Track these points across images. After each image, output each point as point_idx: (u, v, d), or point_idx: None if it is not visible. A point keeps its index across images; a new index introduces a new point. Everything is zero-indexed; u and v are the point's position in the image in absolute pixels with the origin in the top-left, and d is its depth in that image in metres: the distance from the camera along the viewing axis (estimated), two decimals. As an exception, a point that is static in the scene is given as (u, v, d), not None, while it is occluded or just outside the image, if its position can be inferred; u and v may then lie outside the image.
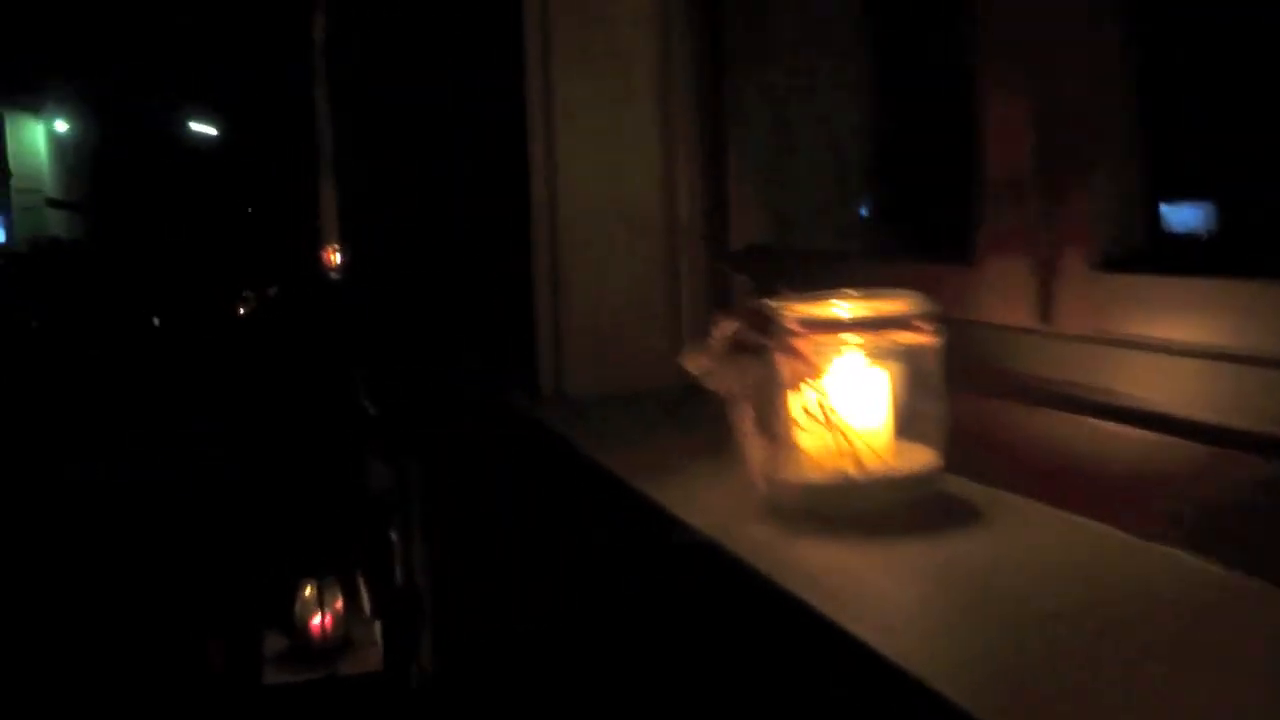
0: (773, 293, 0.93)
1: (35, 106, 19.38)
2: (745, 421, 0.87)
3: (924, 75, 1.36)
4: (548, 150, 1.59)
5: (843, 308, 0.87)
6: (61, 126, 19.91)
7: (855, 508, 0.85)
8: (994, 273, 0.97)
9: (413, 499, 3.43)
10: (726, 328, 0.89)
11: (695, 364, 0.90)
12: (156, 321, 11.68)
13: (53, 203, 19.52)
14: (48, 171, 20.08)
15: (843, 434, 0.82)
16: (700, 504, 0.96)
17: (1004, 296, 0.95)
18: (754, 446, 0.87)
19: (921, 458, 0.88)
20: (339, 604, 3.80)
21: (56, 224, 18.68)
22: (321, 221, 7.56)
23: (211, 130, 17.13)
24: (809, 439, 0.85)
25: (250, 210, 14.80)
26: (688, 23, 1.62)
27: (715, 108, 1.60)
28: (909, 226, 1.34)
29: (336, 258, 6.79)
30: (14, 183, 19.62)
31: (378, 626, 3.70)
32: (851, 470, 0.83)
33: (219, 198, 15.46)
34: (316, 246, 7.93)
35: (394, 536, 3.67)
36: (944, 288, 0.97)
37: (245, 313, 11.58)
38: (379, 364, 3.38)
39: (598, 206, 1.60)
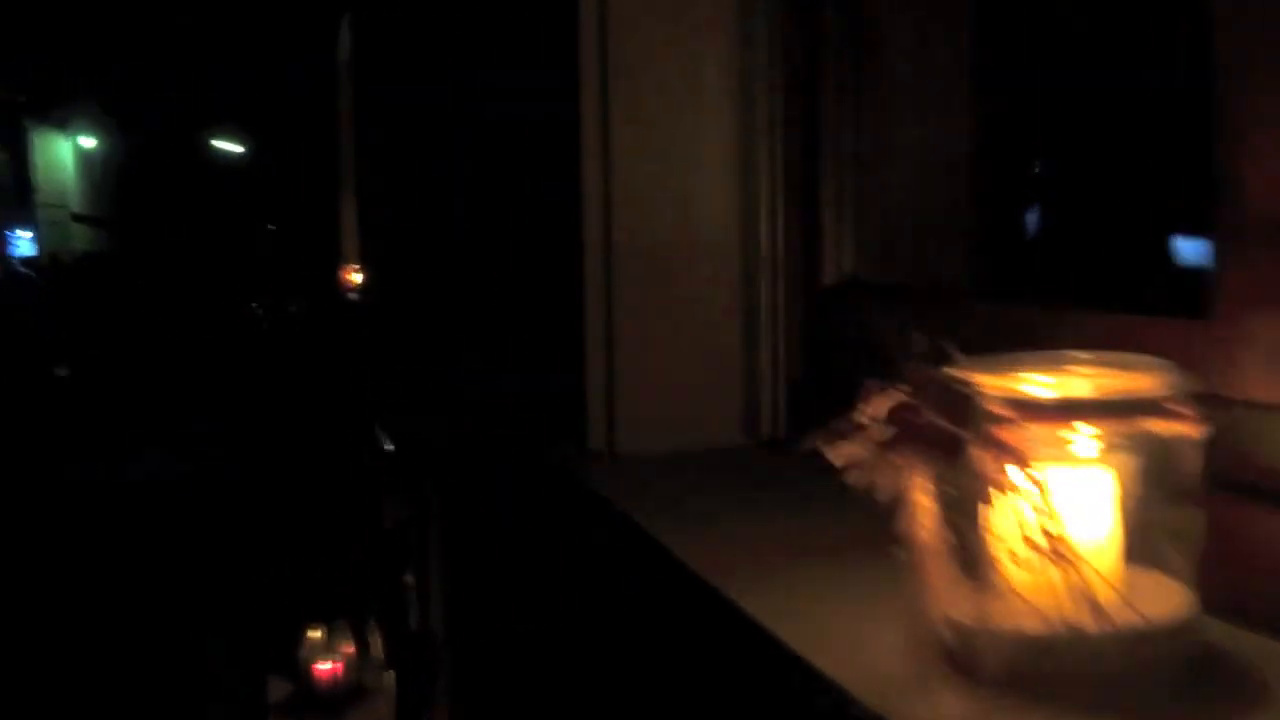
0: (927, 349, 0.67)
1: (62, 122, 19.42)
2: (924, 539, 0.61)
3: (1087, 71, 1.11)
4: (604, 169, 1.34)
5: (1058, 381, 0.61)
6: (88, 142, 19.94)
7: (1089, 671, 0.59)
8: (1249, 331, 0.71)
9: (430, 541, 3.18)
10: (888, 405, 0.63)
11: (842, 454, 0.64)
12: (178, 332, 11.59)
13: (78, 218, 19.55)
14: (74, 187, 20.10)
15: (1074, 567, 0.56)
16: (843, 644, 0.70)
17: (1266, 363, 0.69)
18: (936, 575, 0.61)
19: (1170, 596, 0.62)
20: (349, 649, 3.55)
21: (82, 239, 18.68)
22: (342, 241, 7.37)
23: (236, 148, 17.08)
24: (1018, 568, 0.59)
25: (272, 228, 14.73)
26: (768, 19, 1.37)
27: (803, 111, 1.36)
28: (1066, 262, 1.09)
29: (356, 278, 6.61)
30: (39, 198, 19.66)
31: (390, 675, 3.44)
32: (1086, 619, 0.57)
33: (241, 214, 15.38)
34: (335, 266, 7.76)
35: (408, 579, 3.42)
36: (1152, 346, 0.71)
37: (265, 328, 11.46)
38: (400, 396, 3.14)
39: (661, 232, 1.35)
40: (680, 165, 1.35)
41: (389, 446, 3.50)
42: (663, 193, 1.35)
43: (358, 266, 6.45)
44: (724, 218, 1.36)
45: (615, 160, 1.34)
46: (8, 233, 16.08)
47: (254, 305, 11.74)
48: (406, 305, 2.64)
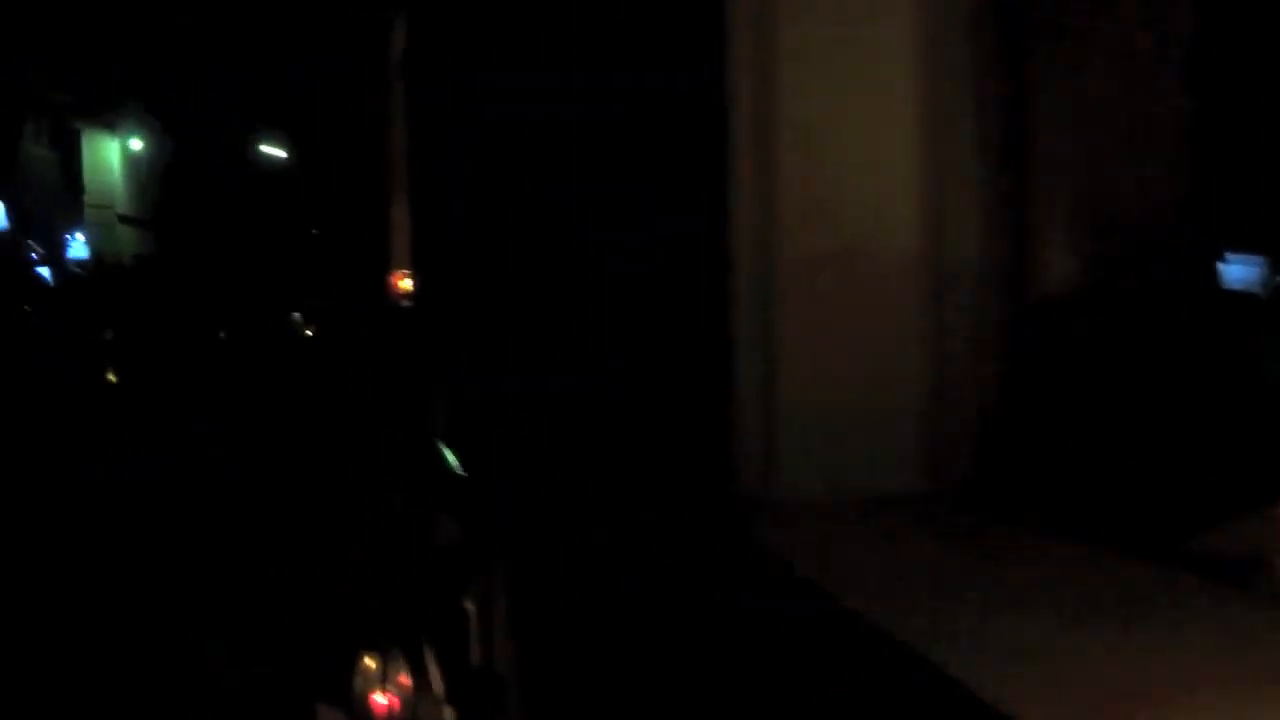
0: None
1: (110, 124, 19.56)
2: None
3: None
4: (761, 166, 1.12)
5: None
6: (136, 144, 20.07)
7: None
8: None
9: (495, 568, 2.96)
10: None
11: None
12: (222, 335, 11.59)
13: (124, 219, 19.69)
14: (120, 188, 20.25)
15: None
16: None
17: None
18: None
19: None
20: (404, 679, 3.33)
21: (127, 240, 18.80)
22: (391, 245, 7.21)
23: (280, 153, 17.10)
24: None
25: (315, 233, 14.72)
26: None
27: (1007, 97, 1.12)
28: None
29: (407, 283, 6.45)
30: (87, 198, 19.83)
31: (450, 712, 3.22)
32: None
33: (286, 219, 15.36)
34: (384, 271, 7.61)
35: (469, 607, 3.19)
36: None
37: (308, 335, 11.40)
38: (475, 411, 2.92)
39: (831, 237, 1.12)
40: (854, 160, 1.12)
41: (451, 460, 3.27)
42: (831, 191, 1.12)
43: (409, 271, 6.28)
44: (908, 220, 1.13)
45: (772, 155, 1.11)
46: (65, 235, 16.31)
47: (295, 314, 11.71)
48: (482, 314, 2.43)
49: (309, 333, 11.71)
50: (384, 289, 7.05)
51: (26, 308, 10.79)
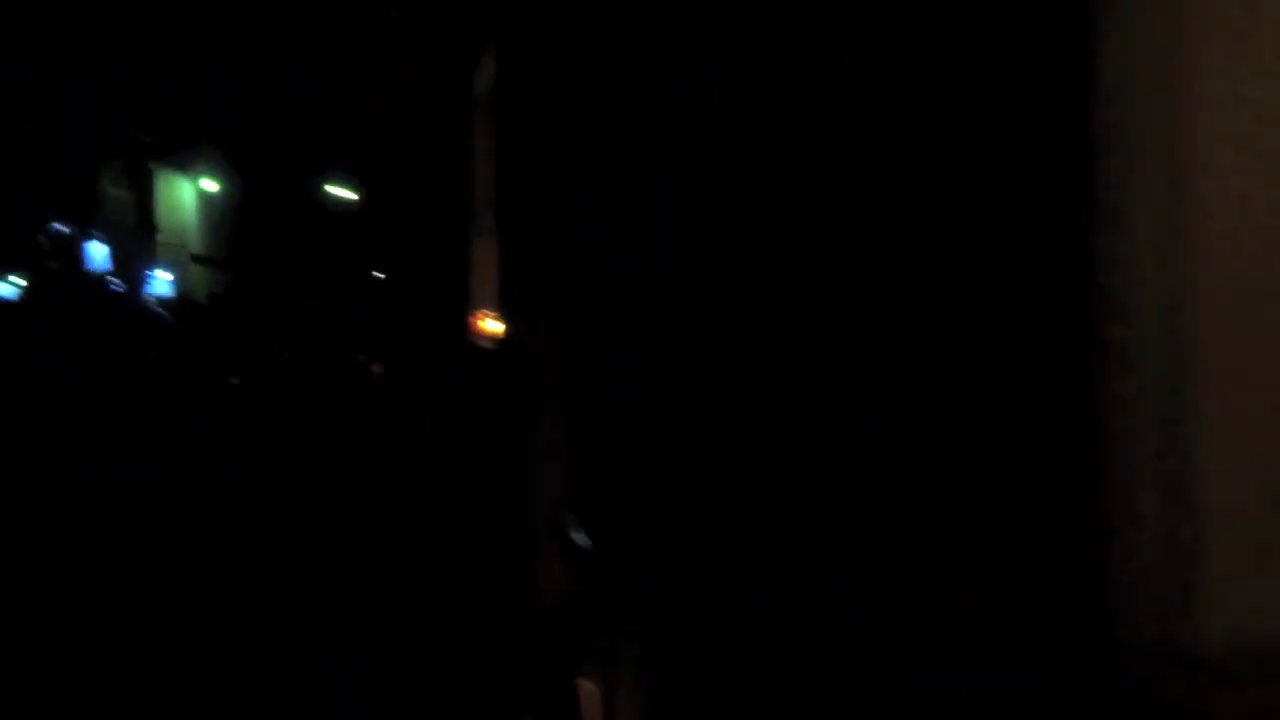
0: None
1: (184, 164, 19.88)
2: None
3: None
4: (1165, 175, 0.79)
5: None
6: (209, 185, 20.36)
7: None
8: None
9: (624, 639, 2.61)
10: None
11: None
12: (281, 381, 11.54)
13: (197, 258, 19.97)
14: (194, 228, 20.54)
15: None
16: None
17: None
18: None
19: None
20: (509, 764, 3.00)
21: (199, 279, 19.03)
22: (473, 285, 6.97)
23: (352, 194, 17.16)
24: None
25: (382, 277, 14.64)
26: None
27: None
28: None
29: (491, 326, 6.19)
30: (160, 237, 20.16)
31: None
32: None
33: (354, 261, 15.34)
34: (464, 312, 7.37)
35: (589, 686, 2.85)
36: None
37: (375, 378, 11.26)
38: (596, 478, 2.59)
39: (1271, 270, 0.78)
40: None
41: (579, 541, 2.93)
42: (1268, 211, 0.78)
43: (493, 313, 6.03)
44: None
45: (1183, 161, 0.78)
46: (147, 272, 16.54)
47: (360, 356, 11.60)
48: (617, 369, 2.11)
49: (376, 369, 11.57)
50: (465, 330, 6.81)
51: (153, 354, 10.83)
